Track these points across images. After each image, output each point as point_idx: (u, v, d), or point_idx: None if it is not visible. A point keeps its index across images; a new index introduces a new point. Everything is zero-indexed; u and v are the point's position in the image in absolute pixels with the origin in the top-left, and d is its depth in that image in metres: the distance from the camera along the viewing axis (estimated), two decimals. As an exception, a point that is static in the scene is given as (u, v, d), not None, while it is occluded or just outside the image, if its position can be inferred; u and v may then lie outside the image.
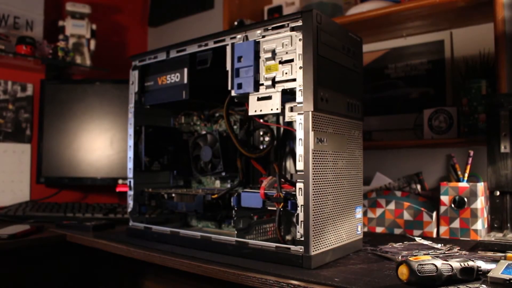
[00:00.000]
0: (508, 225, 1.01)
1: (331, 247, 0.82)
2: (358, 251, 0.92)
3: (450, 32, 1.33)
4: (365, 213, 1.21)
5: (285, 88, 0.81)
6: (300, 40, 0.78)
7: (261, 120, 1.04)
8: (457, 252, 0.88)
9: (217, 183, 1.18)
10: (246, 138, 1.08)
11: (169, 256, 0.89)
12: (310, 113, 0.77)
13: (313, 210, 0.77)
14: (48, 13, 1.73)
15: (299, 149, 0.77)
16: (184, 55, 1.01)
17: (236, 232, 0.90)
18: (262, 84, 0.84)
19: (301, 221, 0.77)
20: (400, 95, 1.42)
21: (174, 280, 1.22)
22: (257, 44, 0.85)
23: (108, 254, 1.05)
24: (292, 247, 0.79)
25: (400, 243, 0.98)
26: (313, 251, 0.77)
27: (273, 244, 0.82)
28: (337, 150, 0.84)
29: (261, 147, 1.08)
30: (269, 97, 0.83)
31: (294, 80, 0.79)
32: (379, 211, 1.20)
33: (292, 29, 0.80)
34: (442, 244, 0.96)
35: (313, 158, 0.77)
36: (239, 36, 0.88)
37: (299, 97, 0.78)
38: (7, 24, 1.62)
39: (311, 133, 0.76)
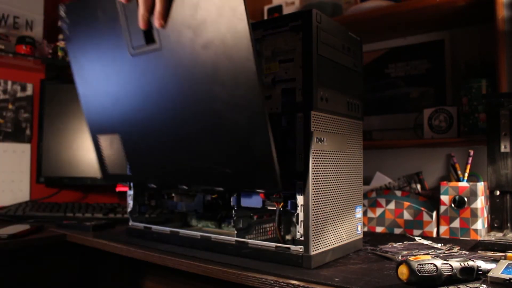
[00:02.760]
0: (508, 224, 1.01)
1: (331, 247, 0.82)
2: (358, 251, 0.92)
3: (450, 32, 1.33)
4: (365, 213, 1.21)
5: (285, 87, 0.81)
6: (300, 39, 0.78)
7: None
8: (457, 251, 0.88)
9: (217, 183, 1.17)
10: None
11: (169, 256, 0.88)
12: (310, 112, 0.76)
13: (313, 209, 0.77)
14: (48, 13, 1.73)
15: (299, 149, 0.77)
16: (183, 54, 1.00)
17: (236, 232, 0.90)
18: (262, 84, 0.84)
19: (301, 221, 0.77)
20: (400, 94, 1.41)
21: (174, 280, 1.22)
22: (256, 43, 0.85)
23: (108, 254, 1.05)
24: (292, 247, 0.79)
25: (400, 243, 0.98)
26: (313, 251, 0.77)
27: (273, 244, 0.82)
28: (337, 150, 0.84)
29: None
30: (269, 97, 0.83)
31: (294, 79, 0.79)
32: (379, 211, 1.20)
33: (292, 28, 0.80)
34: (442, 244, 0.96)
35: (313, 158, 0.77)
36: (238, 35, 0.88)
37: (299, 97, 0.78)
38: (7, 24, 1.62)
39: (311, 133, 0.76)
